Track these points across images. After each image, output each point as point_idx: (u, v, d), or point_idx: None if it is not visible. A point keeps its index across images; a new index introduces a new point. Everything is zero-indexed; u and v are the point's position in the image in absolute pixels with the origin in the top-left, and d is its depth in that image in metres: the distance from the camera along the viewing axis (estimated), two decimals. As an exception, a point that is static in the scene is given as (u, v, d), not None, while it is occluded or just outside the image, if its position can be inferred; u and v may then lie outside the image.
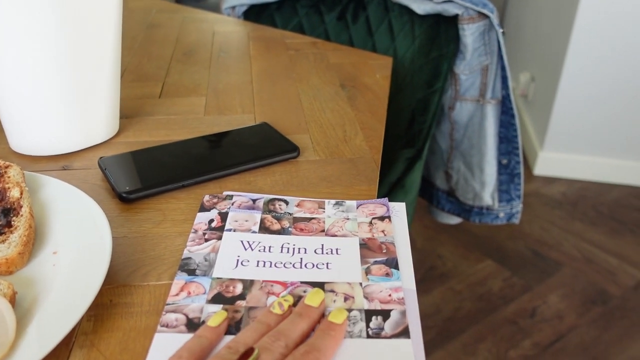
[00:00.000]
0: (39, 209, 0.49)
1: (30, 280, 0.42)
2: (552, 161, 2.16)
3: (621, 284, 1.67)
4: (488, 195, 1.10)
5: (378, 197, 0.56)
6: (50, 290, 0.41)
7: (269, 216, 0.52)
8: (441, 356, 1.42)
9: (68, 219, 0.48)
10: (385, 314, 0.41)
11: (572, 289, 1.65)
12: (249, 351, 0.34)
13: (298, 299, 0.41)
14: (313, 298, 0.40)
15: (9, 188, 0.48)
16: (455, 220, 1.24)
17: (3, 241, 0.44)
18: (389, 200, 0.55)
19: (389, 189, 1.00)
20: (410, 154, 1.03)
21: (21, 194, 0.48)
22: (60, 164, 0.61)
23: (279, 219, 0.51)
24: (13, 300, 0.39)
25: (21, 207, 0.47)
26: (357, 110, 0.76)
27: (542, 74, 2.22)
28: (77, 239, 0.45)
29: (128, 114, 0.73)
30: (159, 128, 0.70)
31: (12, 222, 0.45)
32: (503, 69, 1.01)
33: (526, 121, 2.37)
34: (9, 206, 0.47)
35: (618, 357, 1.42)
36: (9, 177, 0.49)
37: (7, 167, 0.51)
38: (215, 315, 0.39)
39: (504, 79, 1.02)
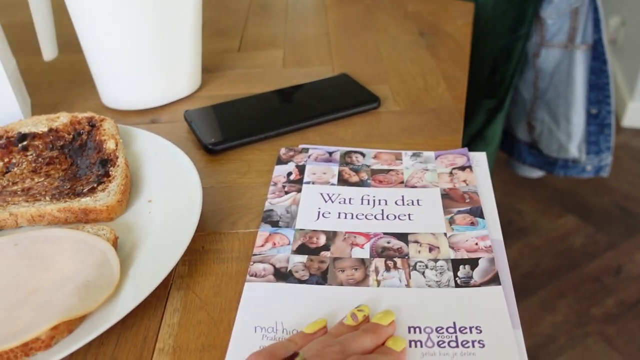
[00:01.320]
0: (132, 159, 0.52)
1: (129, 227, 0.45)
2: (644, 112, 2.01)
3: None
4: (575, 147, 1.04)
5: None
6: (147, 236, 0.43)
7: (346, 168, 0.52)
8: (519, 311, 1.40)
9: (160, 169, 0.50)
10: (473, 263, 0.40)
11: (662, 246, 1.56)
12: (293, 356, 0.31)
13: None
14: (382, 317, 0.36)
15: (104, 140, 0.51)
16: (537, 173, 1.19)
17: (103, 190, 0.46)
18: None
19: (468, 141, 0.97)
20: (491, 105, 0.99)
21: (116, 145, 0.50)
22: (148, 117, 0.64)
23: (356, 171, 0.51)
24: (115, 245, 0.41)
25: (117, 157, 0.49)
26: (438, 59, 0.73)
27: (635, 17, 2.04)
28: (170, 188, 0.47)
29: (209, 68, 0.74)
30: (240, 81, 0.71)
31: (110, 172, 0.48)
32: (595, 10, 0.94)
33: (615, 69, 2.21)
34: (106, 157, 0.50)
35: None
36: (104, 129, 0.52)
37: (102, 120, 0.53)
38: (314, 322, 0.36)
39: (596, 22, 0.95)
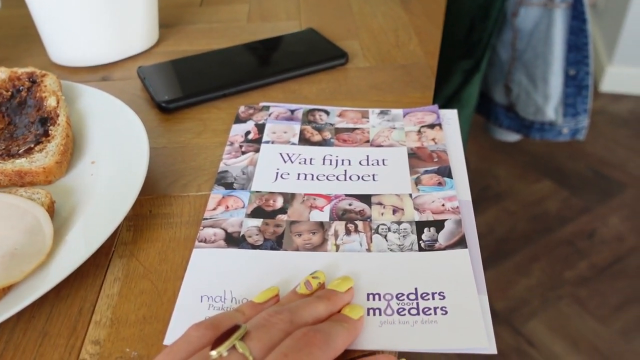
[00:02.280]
0: (77, 118, 0.48)
1: (69, 190, 0.41)
2: (621, 76, 2.00)
3: (690, 206, 1.57)
4: (552, 109, 1.02)
5: (432, 110, 0.51)
6: (89, 200, 0.40)
7: (308, 127, 0.48)
8: (493, 276, 1.40)
9: (106, 129, 0.46)
10: (439, 225, 0.38)
11: (635, 210, 1.57)
12: (234, 328, 0.27)
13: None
14: (339, 284, 0.33)
15: (45, 97, 0.47)
16: (513, 137, 1.17)
17: (41, 150, 0.42)
18: None
19: (444, 103, 0.94)
20: (468, 66, 0.96)
21: (58, 102, 0.46)
22: (99, 74, 0.59)
23: (319, 129, 0.48)
24: (51, 209, 0.38)
25: (58, 116, 0.45)
26: (411, 14, 0.69)
27: (617, -22, 2.01)
28: (116, 148, 0.44)
29: (168, 23, 0.69)
30: (200, 37, 0.67)
31: (50, 131, 0.44)
32: (575, -33, 0.90)
33: (595, 33, 2.18)
34: (45, 115, 0.46)
35: (682, 281, 1.36)
36: (45, 86, 0.48)
37: (43, 76, 0.49)
38: (265, 291, 0.33)
39: (576, -21, 0.92)
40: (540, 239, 1.50)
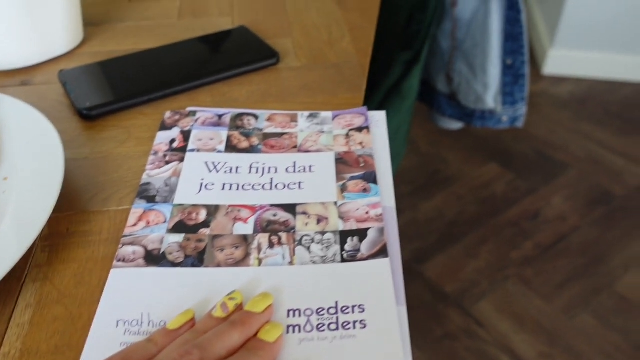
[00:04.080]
0: (-11, 130, 0.45)
1: (-21, 210, 0.39)
2: (562, 59, 2.05)
3: (626, 185, 1.64)
4: (491, 98, 1.04)
5: (373, 105, 0.51)
6: (0, 219, 0.38)
7: (236, 133, 0.47)
8: (442, 260, 1.43)
9: (20, 141, 0.44)
10: (362, 234, 0.38)
11: (577, 190, 1.62)
12: None
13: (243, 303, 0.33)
14: (257, 303, 0.31)
15: (-47, 109, 0.44)
16: (457, 125, 1.19)
17: (-53, 168, 0.40)
18: (385, 108, 0.50)
19: (384, 95, 0.94)
20: (408, 57, 0.96)
21: (-34, 115, 0.44)
22: (18, 78, 0.56)
23: (247, 135, 0.47)
24: (-42, 233, 0.36)
25: (-33, 129, 0.43)
26: (345, 10, 0.69)
27: (557, -38, 2.05)
28: (30, 162, 0.42)
29: (94, 21, 0.67)
30: (128, 36, 0.64)
31: (-43, 147, 0.42)
32: (510, -43, 0.91)
33: (536, 17, 2.23)
34: (-47, 129, 0.43)
35: (618, 256, 1.42)
36: (-47, 96, 0.45)
37: (-48, 85, 0.46)
38: (180, 315, 0.31)
39: (511, -31, 0.93)
40: (487, 221, 1.54)
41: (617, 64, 2.03)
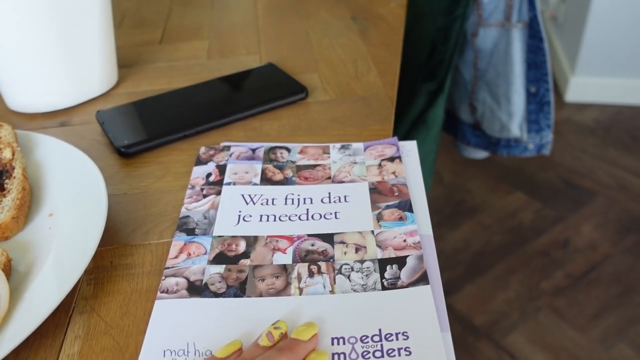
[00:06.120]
0: (34, 169, 0.47)
1: (27, 245, 0.40)
2: (584, 86, 2.05)
3: (658, 210, 1.61)
4: (516, 126, 1.04)
5: (399, 136, 0.52)
6: (47, 255, 0.39)
7: (270, 166, 0.48)
8: (471, 291, 1.41)
9: (64, 179, 0.45)
10: (401, 262, 0.38)
11: (606, 217, 1.60)
12: None
13: (287, 329, 0.33)
14: (302, 331, 0.32)
15: (0, 149, 0.46)
16: (481, 154, 1.19)
17: (-4, 206, 0.42)
18: (411, 138, 0.51)
19: (410, 126, 0.95)
20: (431, 88, 0.97)
21: (13, 154, 0.45)
22: (58, 120, 0.59)
23: (281, 168, 0.48)
24: (8, 268, 0.37)
25: (14, 168, 0.44)
26: (370, 44, 0.70)
27: (573, -8, 2.07)
28: (74, 199, 0.43)
29: (128, 63, 0.69)
30: (160, 76, 0.66)
31: (5, 185, 0.43)
32: (529, -12, 0.93)
33: (556, 45, 2.24)
34: (0, 168, 0.45)
35: (654, 285, 1.39)
36: (0, 137, 0.47)
37: (-2, 127, 0.48)
38: (227, 345, 0.32)
39: (531, 0, 0.94)
40: (515, 251, 1.52)
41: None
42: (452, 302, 1.38)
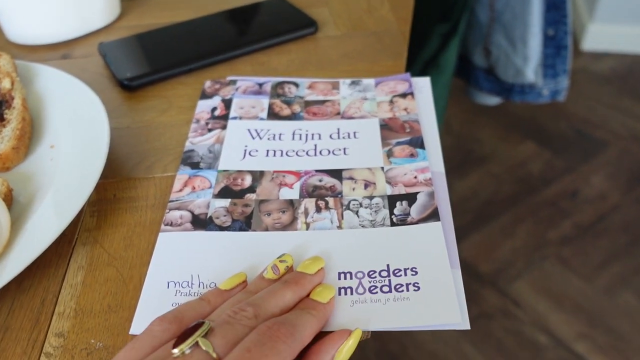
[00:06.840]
0: (35, 100, 0.46)
1: (28, 176, 0.39)
2: (602, 34, 1.98)
3: (671, 162, 1.58)
4: (531, 70, 1.01)
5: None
6: (49, 186, 0.38)
7: (277, 101, 0.47)
8: (478, 239, 1.41)
9: (65, 111, 0.44)
10: (411, 198, 0.37)
11: (617, 168, 1.57)
12: (198, 325, 0.26)
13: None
14: (309, 265, 0.31)
15: (-1, 79, 0.45)
16: (494, 100, 1.16)
17: (-4, 136, 0.41)
18: None
19: (421, 70, 0.93)
20: (445, 29, 0.93)
21: (12, 84, 0.44)
22: (59, 52, 0.57)
23: (289, 103, 0.46)
24: (9, 198, 0.36)
25: (13, 99, 0.43)
26: (383, -22, 0.67)
27: None
28: (76, 131, 0.42)
29: (131, -5, 0.66)
30: (164, 9, 0.64)
31: (5, 115, 0.42)
32: None
33: (575, -10, 2.16)
34: (0, 99, 0.43)
35: (662, 236, 1.38)
36: (-2, 67, 0.46)
37: (-4, 56, 0.47)
38: (232, 277, 0.31)
39: None
40: (524, 200, 1.51)
41: (660, 38, 1.96)
42: (458, 250, 1.38)
